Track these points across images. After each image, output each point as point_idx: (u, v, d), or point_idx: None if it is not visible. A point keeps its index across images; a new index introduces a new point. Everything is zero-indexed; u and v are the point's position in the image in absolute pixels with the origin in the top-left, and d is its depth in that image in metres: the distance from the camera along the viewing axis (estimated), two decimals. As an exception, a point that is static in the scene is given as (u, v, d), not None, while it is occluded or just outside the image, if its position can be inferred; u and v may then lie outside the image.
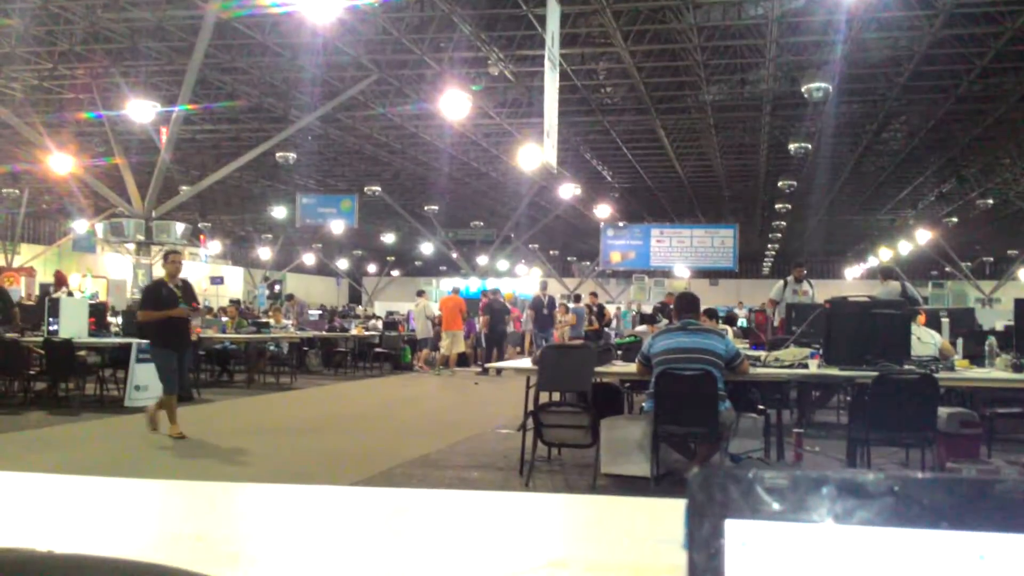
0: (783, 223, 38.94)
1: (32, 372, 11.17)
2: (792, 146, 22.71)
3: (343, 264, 55.97)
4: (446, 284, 40.85)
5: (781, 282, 13.09)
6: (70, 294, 13.70)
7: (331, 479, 6.91)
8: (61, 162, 23.26)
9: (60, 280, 13.89)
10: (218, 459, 8.04)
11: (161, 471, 6.96)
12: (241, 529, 1.58)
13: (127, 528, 1.56)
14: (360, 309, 28.97)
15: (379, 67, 19.80)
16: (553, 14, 12.65)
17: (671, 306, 16.12)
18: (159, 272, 28.09)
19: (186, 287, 9.27)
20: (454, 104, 19.65)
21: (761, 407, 7.10)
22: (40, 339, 11.09)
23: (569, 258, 53.28)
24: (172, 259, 9.53)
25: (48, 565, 0.81)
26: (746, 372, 6.45)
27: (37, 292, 26.07)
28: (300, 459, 8.06)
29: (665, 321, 11.60)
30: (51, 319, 11.22)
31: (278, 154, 25.22)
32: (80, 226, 37.36)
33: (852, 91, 20.53)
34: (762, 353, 7.27)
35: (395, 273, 58.43)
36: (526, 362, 8.03)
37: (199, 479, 1.90)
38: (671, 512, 1.77)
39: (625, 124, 24.16)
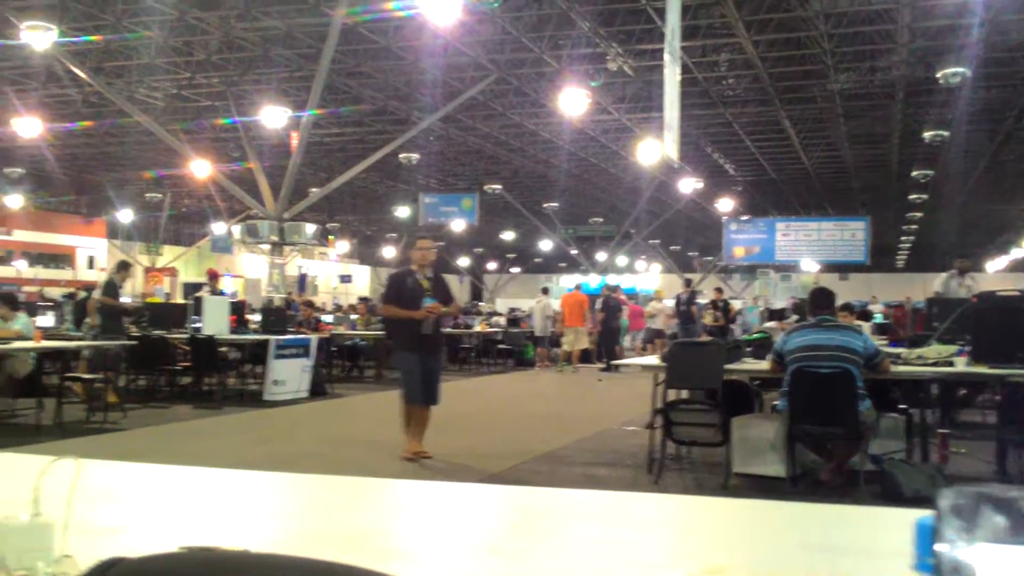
0: (918, 214, 37.30)
1: (178, 367, 11.78)
2: (927, 134, 21.73)
3: (464, 262, 56.75)
4: (566, 281, 40.83)
5: (944, 275, 12.45)
6: (221, 292, 14.36)
7: (461, 474, 7.03)
8: (200, 167, 24.43)
9: (213, 277, 14.61)
10: (353, 454, 8.29)
11: (301, 464, 7.23)
12: (393, 525, 1.63)
13: (289, 522, 1.64)
14: (482, 306, 29.32)
15: (498, 67, 19.99)
16: (673, 7, 12.45)
17: (802, 304, 15.68)
18: (292, 271, 29.02)
19: (437, 280, 7.79)
20: (573, 101, 19.65)
21: (902, 406, 6.83)
22: (186, 336, 11.70)
23: (690, 253, 52.46)
24: (420, 245, 8.01)
25: (246, 565, 0.86)
26: (887, 370, 6.22)
27: (180, 291, 27.45)
28: (432, 452, 8.21)
29: (795, 317, 11.29)
30: (195, 317, 11.82)
31: (401, 155, 25.80)
32: (218, 228, 39.22)
33: (990, 76, 19.46)
34: (902, 350, 6.98)
35: (515, 270, 58.85)
36: (653, 359, 7.97)
37: (339, 473, 1.97)
38: (823, 517, 1.73)
39: (748, 116, 23.63)
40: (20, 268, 34.31)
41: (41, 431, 8.77)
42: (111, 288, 11.27)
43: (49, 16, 16.04)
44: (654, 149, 20.54)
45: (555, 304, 19.06)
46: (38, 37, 15.82)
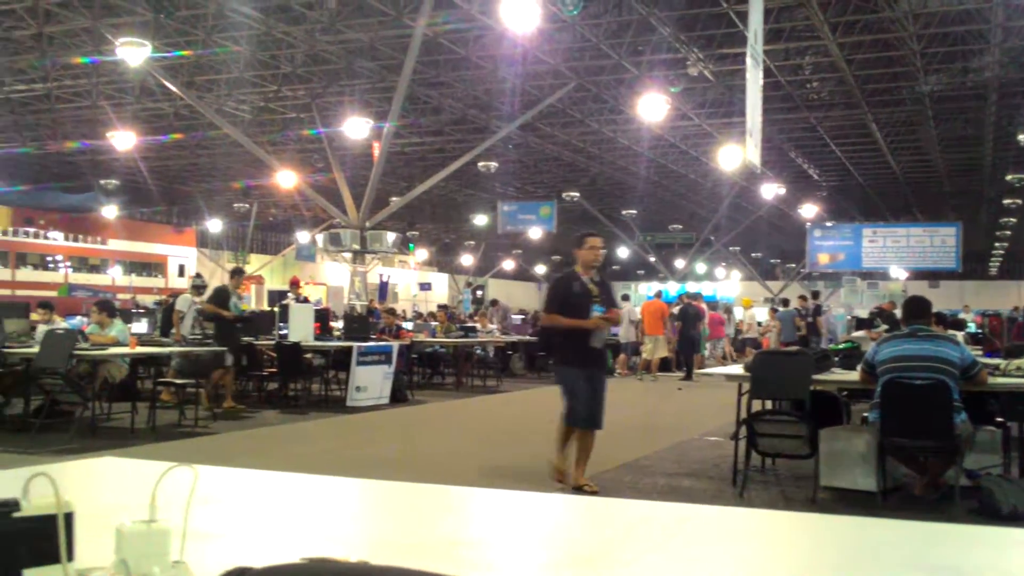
0: (1012, 219, 35.91)
1: (265, 373, 12.07)
2: (1022, 136, 20.91)
3: (541, 269, 56.80)
4: (644, 288, 40.53)
5: None
6: (305, 299, 14.68)
7: (543, 483, 7.02)
8: (285, 178, 25.05)
9: (295, 285, 14.96)
10: (435, 460, 8.36)
11: (386, 470, 7.31)
12: (483, 535, 1.63)
13: (382, 530, 1.66)
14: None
15: (577, 74, 19.99)
16: (756, 10, 12.27)
17: (890, 312, 15.24)
18: (373, 278, 29.33)
19: (603, 285, 6.86)
20: (652, 107, 19.52)
21: (1000, 419, 6.57)
22: (272, 343, 11.98)
23: (772, 260, 51.52)
24: (590, 243, 6.89)
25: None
26: (984, 382, 5.99)
27: (266, 299, 28.13)
28: (512, 461, 8.24)
29: (884, 327, 10.98)
30: (282, 324, 12.10)
31: (480, 163, 25.97)
32: (302, 237, 40.13)
33: (1090, 74, 18.67)
34: (1000, 361, 6.72)
35: (593, 277, 58.59)
36: (736, 368, 7.84)
37: (422, 480, 1.98)
38: (917, 535, 1.68)
39: (833, 119, 23.12)
40: (115, 276, 35.63)
41: (136, 434, 9.08)
42: (222, 295, 11.41)
43: (143, 33, 16.66)
44: (735, 154, 20.27)
45: (635, 311, 18.92)
46: (133, 53, 16.43)
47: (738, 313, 27.80)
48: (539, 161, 29.56)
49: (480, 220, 38.03)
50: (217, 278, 40.76)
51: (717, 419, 10.47)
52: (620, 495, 6.24)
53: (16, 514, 1.02)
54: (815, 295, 20.32)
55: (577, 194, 32.19)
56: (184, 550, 1.06)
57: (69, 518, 1.03)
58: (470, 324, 17.27)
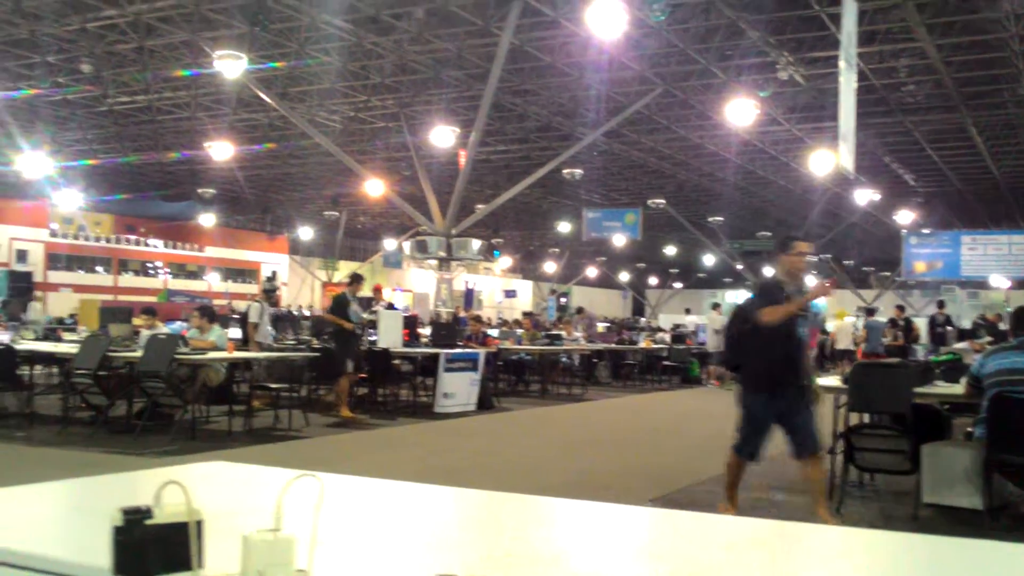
0: (1124, 226, 34.16)
1: (356, 378, 12.26)
2: None
3: (625, 276, 56.47)
4: (731, 296, 39.89)
5: None
6: (391, 306, 14.90)
7: (631, 494, 6.95)
8: (374, 186, 25.49)
9: (378, 292, 15.19)
10: (520, 469, 8.36)
11: (475, 477, 7.35)
12: (579, 547, 1.60)
13: (480, 541, 1.64)
14: (644, 321, 29.06)
15: (663, 80, 19.81)
16: (849, 12, 11.97)
17: (994, 323, 14.63)
18: (458, 285, 29.50)
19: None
20: (741, 112, 19.22)
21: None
22: (362, 348, 12.17)
23: (865, 268, 50.09)
24: (798, 248, 5.78)
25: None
26: (1102, 398, 5.69)
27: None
28: (598, 471, 8.19)
29: (988, 338, 10.55)
30: (371, 330, 12.28)
31: (565, 170, 25.96)
32: (389, 244, 40.80)
33: None
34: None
35: (677, 285, 58.04)
36: (832, 380, 7.63)
37: (509, 487, 1.96)
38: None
39: (930, 123, 22.36)
40: (211, 282, 36.79)
41: (232, 437, 9.33)
42: (342, 304, 11.58)
43: (239, 45, 17.18)
44: (827, 160, 19.81)
45: (723, 319, 18.60)
46: (229, 66, 16.96)
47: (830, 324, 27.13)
48: (624, 168, 29.38)
49: (564, 227, 38.04)
50: (308, 284, 41.81)
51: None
52: (713, 510, 6.13)
53: (149, 521, 1.04)
54: (940, 304, 19.56)
55: (663, 201, 31.89)
56: (312, 560, 1.07)
57: (199, 526, 1.05)
58: (555, 332, 17.25)
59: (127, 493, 1.92)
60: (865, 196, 27.63)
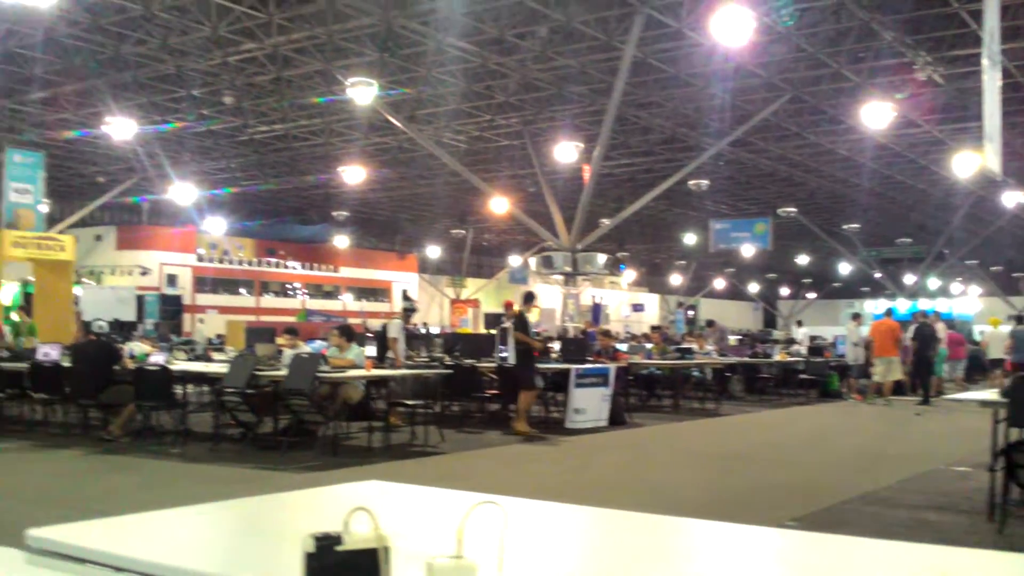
0: None
1: (486, 395, 12.41)
2: None
3: (754, 288, 55.15)
4: (869, 306, 38.35)
5: None
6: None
7: (772, 512, 6.76)
8: (499, 204, 25.83)
9: (509, 308, 15.29)
10: (655, 486, 8.26)
11: (610, 497, 7.30)
12: (717, 571, 1.54)
13: (631, 562, 1.60)
14: (778, 333, 28.31)
15: (792, 85, 19.35)
16: (992, 8, 11.35)
17: None
18: (586, 300, 29.33)
19: None
20: (876, 115, 18.59)
21: None
22: (493, 365, 12.31)
23: (1015, 274, 47.29)
24: None
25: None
26: None
27: (482, 322, 29.02)
28: (734, 489, 8.00)
29: None
30: (501, 346, 12.39)
31: (691, 182, 25.66)
32: (514, 260, 41.20)
33: None
34: None
35: (810, 295, 56.27)
36: (988, 394, 7.22)
37: (645, 507, 1.91)
38: None
39: (1084, 119, 20.97)
40: (346, 301, 38.03)
41: (372, 453, 9.59)
42: (525, 322, 11.74)
43: (370, 72, 17.77)
44: (971, 162, 18.88)
45: (864, 331, 17.88)
46: (361, 92, 17.56)
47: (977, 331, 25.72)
48: (752, 177, 28.79)
49: (691, 239, 37.56)
50: (436, 302, 42.66)
51: (963, 447, 9.70)
52: (862, 530, 5.89)
53: (339, 547, 1.08)
54: None
55: (794, 209, 31.06)
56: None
57: (386, 552, 1.08)
58: (686, 345, 16.98)
59: (291, 513, 1.99)
60: (1013, 198, 26.15)
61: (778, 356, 18.81)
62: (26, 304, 20.25)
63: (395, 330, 12.70)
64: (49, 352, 11.28)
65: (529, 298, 12.48)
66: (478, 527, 1.16)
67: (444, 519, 1.69)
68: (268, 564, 1.40)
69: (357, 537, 1.10)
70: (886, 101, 18.39)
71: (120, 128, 20.14)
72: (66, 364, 10.89)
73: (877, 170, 26.50)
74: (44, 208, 20.78)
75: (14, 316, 17.31)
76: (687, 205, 32.04)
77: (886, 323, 17.01)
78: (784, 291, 58.22)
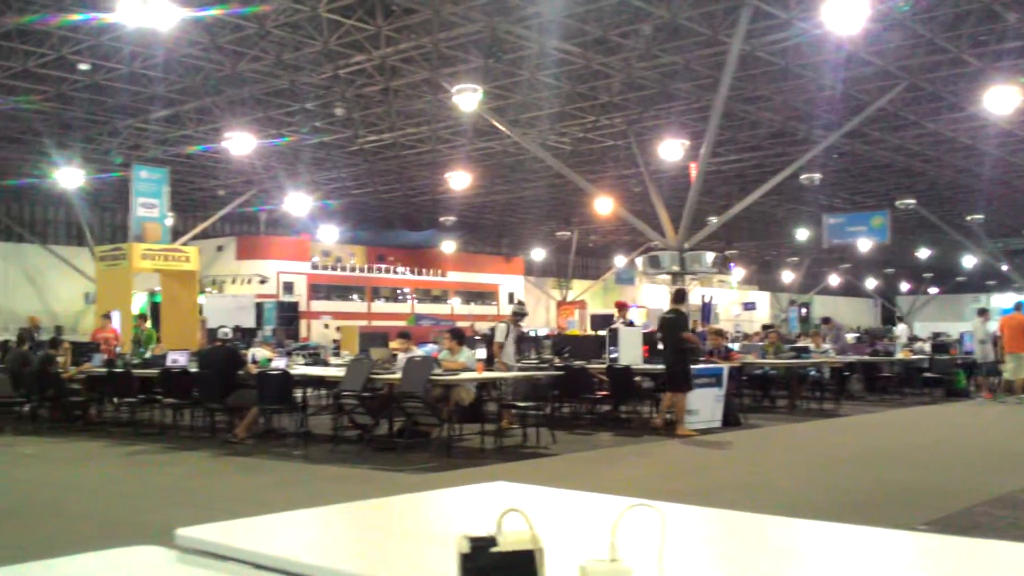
0: None
1: (597, 396, 12.38)
2: None
3: (872, 284, 53.26)
4: (995, 300, 36.59)
5: None
6: (629, 323, 14.93)
7: (901, 517, 6.51)
8: (604, 204, 25.72)
9: (622, 308, 15.25)
10: (775, 488, 8.07)
11: (728, 498, 7.18)
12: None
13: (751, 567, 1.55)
14: (897, 331, 27.25)
15: (909, 73, 18.64)
16: None
17: None
18: (695, 300, 29.02)
19: None
20: (999, 101, 17.76)
21: None
22: (603, 366, 12.28)
23: None
24: None
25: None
26: None
27: (589, 323, 28.95)
28: (860, 492, 7.74)
29: None
30: (611, 347, 12.36)
31: (802, 176, 25.00)
32: (620, 261, 40.95)
33: None
34: None
35: (932, 290, 54.00)
36: None
37: (761, 509, 1.84)
38: None
39: None
40: (454, 305, 38.54)
41: (485, 454, 9.69)
42: (684, 321, 11.67)
43: (475, 78, 17.97)
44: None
45: (992, 326, 17.05)
46: (466, 99, 17.78)
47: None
48: (868, 169, 27.83)
49: (803, 235, 36.59)
50: (543, 305, 42.77)
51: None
52: (997, 534, 5.62)
53: (493, 549, 1.10)
54: None
55: (913, 201, 29.85)
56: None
57: (541, 555, 1.09)
58: (802, 344, 16.53)
59: (424, 514, 2.03)
60: None
61: (900, 354, 18.11)
62: (154, 313, 21.31)
63: (500, 334, 12.75)
64: (178, 358, 11.83)
65: (681, 296, 12.30)
66: (625, 530, 1.16)
67: (579, 520, 1.69)
68: (411, 564, 1.43)
69: (511, 539, 1.11)
70: (1010, 85, 17.52)
71: (238, 143, 20.96)
72: (193, 370, 11.41)
73: (1002, 158, 25.28)
74: (169, 221, 21.79)
75: (146, 325, 18.23)
76: (799, 200, 31.21)
77: (1016, 317, 16.17)
78: (904, 286, 56.04)
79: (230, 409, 10.94)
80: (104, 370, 12.31)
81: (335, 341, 24.29)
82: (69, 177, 23.74)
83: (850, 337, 21.18)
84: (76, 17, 14.93)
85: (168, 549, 1.48)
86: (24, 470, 9.06)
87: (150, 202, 20.45)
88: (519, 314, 13.19)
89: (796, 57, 17.94)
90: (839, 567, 1.53)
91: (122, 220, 28.85)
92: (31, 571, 1.39)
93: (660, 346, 11.97)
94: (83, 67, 17.79)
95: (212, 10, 14.81)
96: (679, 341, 11.23)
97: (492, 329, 14.40)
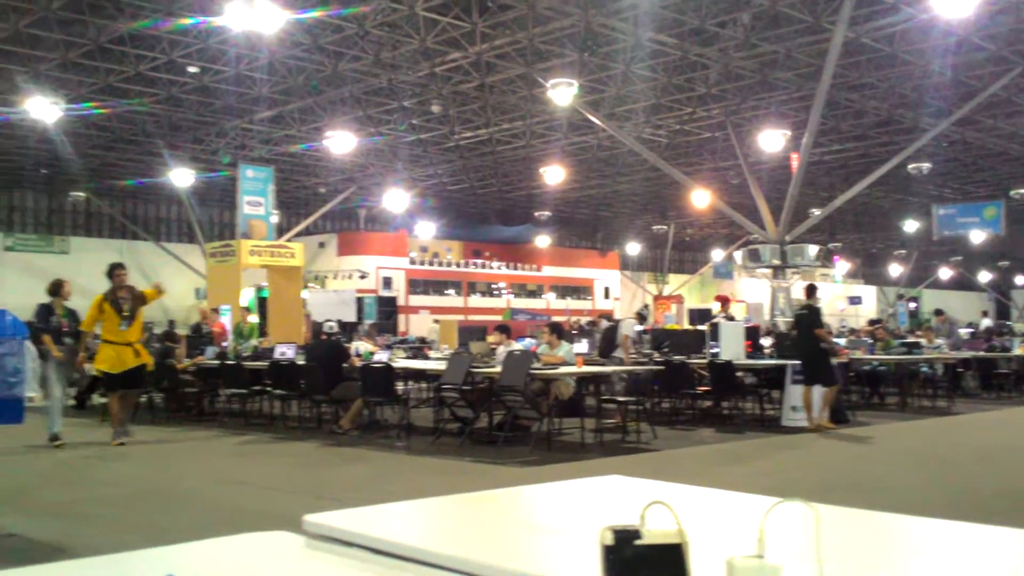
0: None
1: (698, 391, 12.22)
2: None
3: (986, 277, 51.06)
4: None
5: None
6: (731, 317, 14.68)
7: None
8: (701, 197, 25.35)
9: (724, 303, 15.01)
10: (891, 488, 7.81)
11: (840, 496, 6.99)
12: None
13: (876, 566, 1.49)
14: (1019, 325, 26.02)
15: (1023, 58, 17.81)
16: None
17: None
18: (798, 294, 28.78)
19: None
20: None
21: None
22: (704, 361, 12.11)
23: None
24: None
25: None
26: None
27: (686, 318, 28.59)
28: (980, 492, 7.43)
29: None
30: (712, 342, 12.17)
31: (910, 166, 24.18)
32: (717, 255, 40.30)
33: None
34: None
35: (1050, 284, 51.49)
36: None
37: (882, 511, 1.74)
38: None
39: None
40: (549, 300, 38.60)
41: (585, 448, 9.68)
42: (819, 316, 11.55)
43: (570, 72, 17.94)
44: None
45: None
46: (561, 93, 17.75)
47: None
48: (980, 158, 26.71)
49: (911, 226, 35.34)
50: (639, 299, 42.45)
51: None
52: None
53: (638, 542, 1.09)
54: None
55: (1029, 190, 28.53)
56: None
57: (687, 548, 1.08)
58: (913, 339, 15.94)
59: (543, 506, 2.03)
60: None
61: (1018, 349, 17.29)
62: (261, 307, 21.98)
63: (628, 328, 12.79)
64: (286, 351, 12.19)
65: (812, 291, 12.10)
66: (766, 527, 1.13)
67: (710, 516, 1.67)
68: (534, 554, 1.43)
69: (654, 532, 1.10)
70: None
71: (339, 141, 21.44)
72: (300, 363, 11.74)
73: None
74: (274, 218, 22.44)
75: (252, 318, 18.83)
76: (906, 191, 30.17)
77: None
78: (1020, 280, 53.55)
79: (335, 401, 11.22)
80: (216, 362, 12.77)
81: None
82: (180, 177, 24.71)
83: (964, 332, 20.32)
84: (186, 21, 15.51)
85: (296, 535, 1.52)
86: (144, 457, 9.49)
87: (256, 200, 21.10)
88: (642, 315, 13.26)
89: (903, 43, 17.35)
90: (995, 567, 1.47)
91: (228, 218, 29.91)
92: (171, 554, 1.45)
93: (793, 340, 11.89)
94: (192, 70, 18.49)
95: (314, 12, 15.18)
96: (814, 336, 11.07)
97: (617, 323, 14.35)
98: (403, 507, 1.88)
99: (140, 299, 10.06)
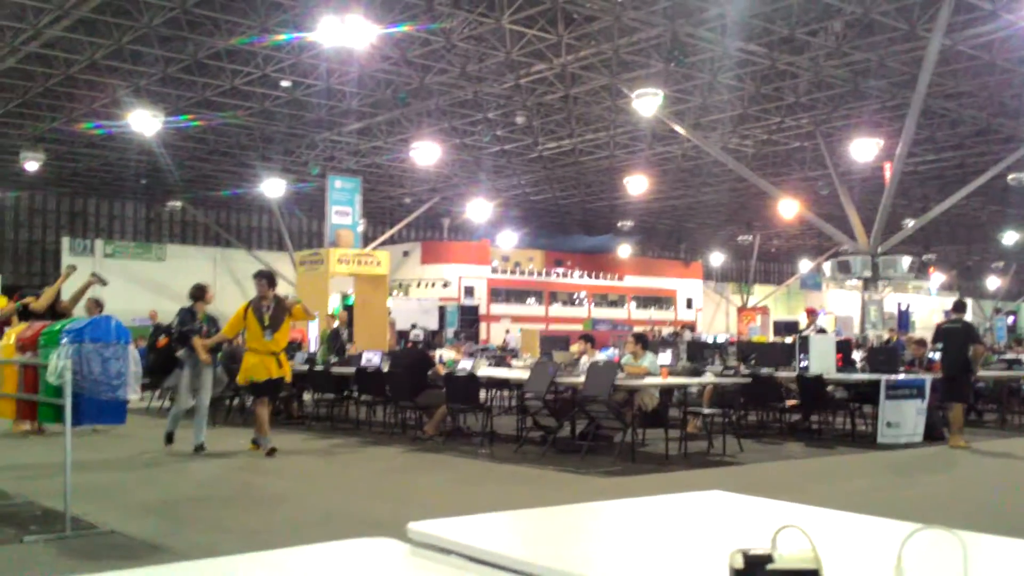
0: None
1: (787, 405, 11.97)
2: None
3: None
4: None
5: None
6: (822, 330, 14.36)
7: None
8: (788, 207, 24.87)
9: (812, 314, 14.69)
10: (993, 508, 7.53)
11: (938, 518, 6.77)
12: None
13: None
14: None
15: None
16: None
17: None
18: (889, 307, 27.67)
19: None
20: None
21: None
22: (793, 374, 11.86)
23: None
24: None
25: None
26: None
27: (772, 329, 28.06)
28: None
29: None
30: (802, 355, 11.91)
31: (1010, 176, 23.29)
32: (805, 266, 39.45)
33: None
34: None
35: None
36: None
37: (987, 532, 1.66)
38: None
39: None
40: (631, 309, 38.36)
41: (669, 460, 9.58)
42: (974, 331, 11.36)
43: (655, 82, 17.83)
44: None
45: None
46: (646, 103, 17.67)
47: None
48: (1085, 167, 25.53)
49: (1010, 238, 34.04)
50: (722, 310, 41.85)
51: None
52: None
53: (771, 566, 1.08)
54: None
55: None
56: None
57: (822, 574, 1.06)
58: (1012, 355, 15.32)
59: (644, 520, 2.00)
60: None
61: None
62: (347, 315, 22.38)
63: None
64: (371, 358, 12.40)
65: (963, 306, 11.81)
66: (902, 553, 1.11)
67: (837, 538, 1.61)
68: (637, 570, 1.41)
69: (787, 557, 1.08)
70: None
71: (424, 152, 21.75)
72: (386, 369, 11.93)
73: None
74: (361, 228, 22.87)
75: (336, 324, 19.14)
76: (1005, 201, 29.06)
77: None
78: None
79: (420, 407, 11.36)
80: (305, 367, 13.07)
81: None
82: (272, 187, 25.40)
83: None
84: (281, 37, 15.96)
85: (400, 542, 1.55)
86: (235, 459, 9.74)
87: (343, 210, 21.54)
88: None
89: (1002, 51, 16.77)
90: None
91: (316, 227, 30.56)
92: (275, 558, 1.50)
93: (940, 356, 11.65)
94: (284, 84, 19.02)
95: (402, 26, 15.45)
96: (965, 351, 10.80)
97: (688, 334, 14.24)
98: (503, 517, 1.89)
99: (285, 309, 9.71)
